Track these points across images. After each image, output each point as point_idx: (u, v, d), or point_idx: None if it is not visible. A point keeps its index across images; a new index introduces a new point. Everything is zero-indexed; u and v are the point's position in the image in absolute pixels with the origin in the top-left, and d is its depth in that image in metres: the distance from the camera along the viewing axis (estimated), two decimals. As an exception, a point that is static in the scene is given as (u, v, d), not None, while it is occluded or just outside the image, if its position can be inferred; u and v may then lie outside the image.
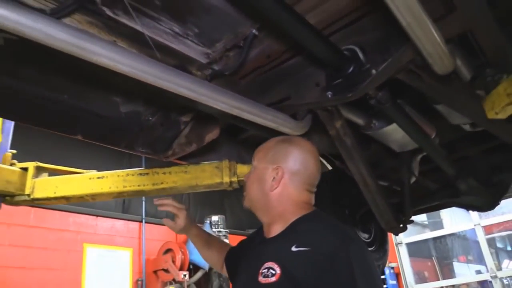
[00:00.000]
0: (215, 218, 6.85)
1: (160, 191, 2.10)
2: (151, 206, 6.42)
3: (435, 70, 1.51)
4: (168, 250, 6.07)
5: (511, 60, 1.63)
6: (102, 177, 2.09)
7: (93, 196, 2.11)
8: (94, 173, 2.14)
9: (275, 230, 1.40)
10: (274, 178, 1.41)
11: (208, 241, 1.94)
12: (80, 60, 1.14)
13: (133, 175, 2.09)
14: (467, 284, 8.98)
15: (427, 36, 1.28)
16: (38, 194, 2.10)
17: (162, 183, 2.06)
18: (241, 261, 1.53)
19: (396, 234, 3.20)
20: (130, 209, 6.24)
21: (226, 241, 6.78)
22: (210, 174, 2.08)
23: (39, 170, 2.19)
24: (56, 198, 2.11)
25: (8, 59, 1.54)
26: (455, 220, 9.94)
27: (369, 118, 2.33)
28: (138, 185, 2.06)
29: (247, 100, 1.62)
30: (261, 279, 1.27)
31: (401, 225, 3.05)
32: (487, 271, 7.38)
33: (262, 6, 1.26)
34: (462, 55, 1.63)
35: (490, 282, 7.40)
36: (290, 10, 1.33)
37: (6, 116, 1.70)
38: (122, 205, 6.17)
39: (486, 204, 2.85)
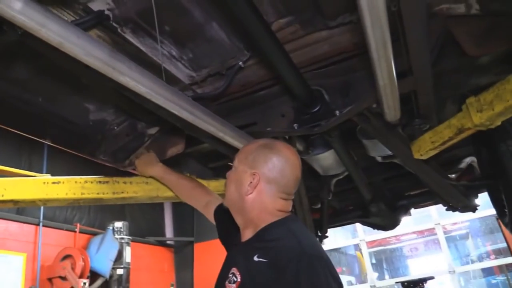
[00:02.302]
0: (118, 224, 6.65)
1: (119, 200, 2.12)
2: (49, 208, 6.02)
3: (385, 118, 1.86)
4: (66, 256, 5.72)
5: (435, 116, 2.07)
6: (58, 182, 2.03)
7: (47, 201, 2.04)
8: (48, 177, 2.07)
9: (246, 235, 1.42)
10: (250, 182, 1.38)
11: (180, 181, 2.06)
12: (62, 63, 1.18)
13: (92, 182, 2.07)
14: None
15: (393, 93, 1.61)
16: (-18, 196, 1.97)
17: (122, 192, 2.09)
18: (228, 248, 1.59)
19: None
20: (26, 211, 5.76)
21: (129, 249, 6.63)
22: (171, 187, 2.17)
23: (-19, 170, 2.06)
24: (3, 202, 1.98)
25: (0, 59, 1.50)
26: (334, 236, 10.96)
27: (307, 144, 2.64)
28: (97, 193, 2.06)
29: (229, 124, 1.81)
30: (227, 283, 1.32)
31: (318, 239, 3.45)
32: (356, 281, 8.31)
33: (258, 39, 1.42)
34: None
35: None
36: (281, 47, 1.55)
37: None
38: (17, 206, 5.67)
39: (389, 224, 3.37)
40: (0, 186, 1.99)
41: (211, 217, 1.82)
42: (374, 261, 11.35)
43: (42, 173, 5.45)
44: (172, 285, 6.97)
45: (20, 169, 2.53)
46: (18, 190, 2.01)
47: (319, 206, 3.50)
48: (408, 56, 1.53)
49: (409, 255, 11.48)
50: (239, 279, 1.29)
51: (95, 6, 1.39)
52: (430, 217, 8.15)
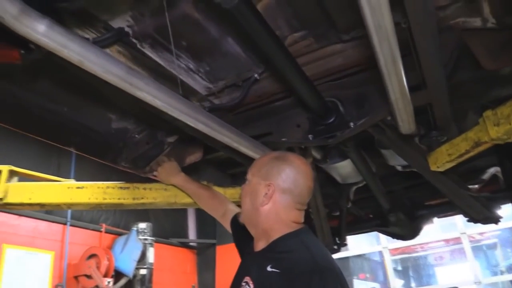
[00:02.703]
0: (142, 225, 6.80)
1: (139, 206, 2.20)
2: (77, 208, 6.23)
3: (399, 130, 1.86)
4: (92, 255, 5.90)
5: (452, 128, 2.06)
6: (82, 187, 2.14)
7: (71, 205, 2.15)
8: (73, 182, 2.17)
9: (260, 245, 1.45)
10: (265, 194, 1.41)
11: (199, 191, 2.13)
12: (85, 77, 1.24)
13: (113, 188, 2.16)
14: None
15: (405, 106, 1.62)
16: (11, 199, 2.07)
17: (142, 198, 2.17)
18: (242, 256, 1.64)
19: (330, 255, 3.55)
20: (54, 211, 5.97)
21: (152, 249, 6.77)
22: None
23: (11, 174, 2.17)
24: (30, 204, 2.10)
25: (25, 72, 1.60)
26: (358, 242, 10.83)
27: (325, 153, 2.65)
28: (118, 198, 2.15)
29: (244, 135, 1.85)
30: None
31: (336, 247, 3.45)
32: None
33: (271, 54, 1.46)
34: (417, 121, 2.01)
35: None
36: (293, 61, 1.58)
37: (7, 123, 1.72)
38: (46, 206, 5.88)
39: (408, 234, 3.33)
40: (28, 190, 2.11)
41: (228, 226, 1.88)
42: (400, 268, 11.18)
43: (70, 176, 5.67)
44: (193, 286, 7.06)
45: (49, 172, 2.65)
46: (44, 194, 2.12)
47: (338, 213, 3.50)
48: (421, 70, 1.54)
49: (435, 264, 11.24)
50: None
51: (115, 24, 1.46)
52: (456, 225, 7.96)
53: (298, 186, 1.44)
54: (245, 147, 1.88)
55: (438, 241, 9.34)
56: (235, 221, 1.81)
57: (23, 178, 2.30)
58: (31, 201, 2.10)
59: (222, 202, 2.03)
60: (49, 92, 1.75)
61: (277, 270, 1.30)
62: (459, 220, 7.63)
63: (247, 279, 1.37)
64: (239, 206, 2.48)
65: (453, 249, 9.77)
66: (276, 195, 1.41)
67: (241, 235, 1.70)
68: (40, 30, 1.03)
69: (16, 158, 3.68)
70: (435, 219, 3.55)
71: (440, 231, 8.90)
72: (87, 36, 1.43)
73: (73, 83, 1.73)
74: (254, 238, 1.50)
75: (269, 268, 1.32)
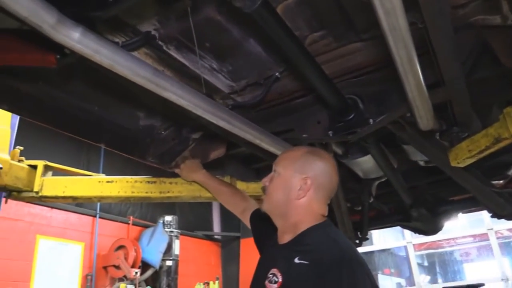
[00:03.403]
0: (168, 218, 6.98)
1: (165, 199, 2.31)
2: (106, 201, 6.46)
3: (419, 126, 1.89)
4: (120, 247, 6.11)
5: (473, 124, 2.06)
6: (112, 182, 2.25)
7: (101, 198, 2.27)
8: (103, 176, 2.30)
9: (285, 238, 1.47)
10: (301, 187, 1.43)
11: (220, 187, 2.20)
12: (115, 77, 1.32)
13: (141, 182, 2.27)
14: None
15: (423, 104, 1.64)
16: (46, 192, 2.22)
17: (168, 191, 2.27)
18: (263, 250, 1.67)
19: (352, 250, 3.58)
20: (84, 203, 6.20)
21: (177, 242, 6.94)
22: (213, 188, 2.32)
23: (46, 169, 2.31)
24: (64, 197, 2.24)
25: (60, 74, 1.70)
26: (383, 236, 10.75)
27: (346, 149, 2.69)
28: (146, 192, 2.25)
29: (265, 132, 1.92)
30: (267, 283, 1.38)
31: (357, 241, 3.48)
32: (407, 284, 8.12)
33: (291, 55, 1.51)
34: (437, 117, 2.02)
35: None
36: (313, 61, 1.63)
37: (44, 122, 1.84)
38: (77, 198, 6.12)
39: (431, 229, 3.33)
40: (61, 184, 2.24)
41: (247, 222, 1.95)
42: (426, 264, 11.04)
43: (99, 170, 5.88)
44: (217, 278, 7.20)
45: (79, 166, 2.79)
46: (76, 187, 2.25)
47: (360, 208, 3.52)
48: (438, 68, 1.56)
49: (462, 260, 11.05)
50: (280, 280, 1.34)
51: (142, 28, 1.55)
52: (483, 221, 7.82)
53: (331, 181, 1.50)
54: (266, 144, 1.94)
55: (465, 236, 9.18)
56: (255, 216, 1.88)
57: (56, 172, 2.44)
58: (64, 194, 2.23)
59: (243, 199, 2.10)
60: (82, 93, 1.85)
61: (306, 262, 1.33)
62: (486, 216, 7.48)
63: (274, 271, 1.39)
64: (260, 200, 2.56)
65: (480, 245, 9.59)
66: (312, 189, 1.45)
67: (261, 229, 1.75)
68: (74, 38, 1.12)
69: (49, 153, 3.84)
70: (463, 215, 3.52)
71: (468, 226, 8.76)
72: (116, 40, 1.52)
73: (104, 84, 1.83)
74: (279, 231, 1.53)
75: (297, 260, 1.35)
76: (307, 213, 1.45)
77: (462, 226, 8.80)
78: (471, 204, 3.33)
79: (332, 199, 2.81)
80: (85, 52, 1.17)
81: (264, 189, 1.56)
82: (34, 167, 2.29)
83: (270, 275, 1.39)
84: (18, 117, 2.49)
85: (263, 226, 1.71)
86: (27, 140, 3.85)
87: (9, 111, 2.10)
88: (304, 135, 2.13)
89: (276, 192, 1.50)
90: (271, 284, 1.37)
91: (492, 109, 2.36)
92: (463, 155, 2.07)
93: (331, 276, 1.26)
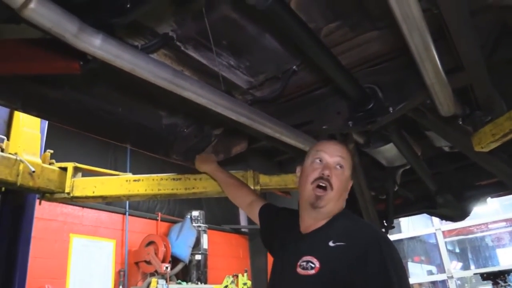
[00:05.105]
0: (195, 213, 7.09)
1: (191, 195, 2.37)
2: (134, 199, 6.62)
3: (439, 112, 1.87)
4: (150, 243, 6.26)
5: (497, 107, 2.03)
6: (139, 180, 2.33)
7: (129, 196, 2.35)
8: (130, 176, 2.37)
9: (312, 226, 1.52)
10: (349, 186, 1.60)
11: (228, 180, 2.26)
12: (137, 79, 1.36)
13: (166, 179, 2.34)
14: (420, 284, 9.66)
15: (442, 90, 1.63)
16: (77, 193, 2.31)
17: (193, 188, 2.33)
18: (276, 244, 1.70)
19: (378, 238, 3.57)
20: (113, 202, 6.38)
21: (205, 236, 7.05)
22: (236, 182, 2.36)
23: (75, 170, 2.40)
24: (94, 197, 2.33)
25: (84, 79, 1.76)
26: (412, 223, 10.61)
27: (367, 138, 2.68)
28: (172, 189, 2.32)
29: (285, 125, 1.94)
30: (300, 270, 1.39)
31: (383, 230, 3.47)
32: (438, 271, 8.03)
33: (307, 48, 1.53)
34: (460, 102, 2.00)
35: (443, 281, 8.11)
36: (328, 52, 1.63)
37: (71, 125, 1.91)
38: (106, 197, 6.30)
39: (458, 215, 3.29)
40: (91, 184, 2.33)
41: (253, 216, 2.00)
42: (457, 250, 10.85)
43: (126, 169, 6.02)
44: (246, 271, 7.29)
45: (107, 167, 2.88)
46: (105, 187, 2.33)
47: (385, 197, 3.50)
48: (456, 52, 1.55)
49: (494, 245, 10.81)
50: (317, 265, 1.37)
51: (160, 30, 1.59)
52: (514, 205, 7.64)
53: None
54: (286, 137, 1.96)
55: (496, 221, 8.98)
56: (264, 211, 1.93)
57: (86, 173, 2.53)
58: (94, 194, 2.32)
59: (250, 192, 2.16)
60: (105, 95, 1.92)
61: (342, 243, 1.38)
62: (517, 199, 7.31)
63: (307, 258, 1.41)
64: (283, 193, 2.58)
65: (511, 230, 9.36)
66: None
67: (272, 224, 1.82)
68: (96, 44, 1.17)
69: (78, 155, 3.98)
70: (494, 199, 3.45)
71: (501, 211, 8.56)
72: (136, 43, 1.56)
73: (126, 86, 1.89)
74: (308, 221, 1.56)
75: (331, 243, 1.40)
76: (342, 205, 1.57)
77: (495, 211, 8.60)
78: (499, 189, 3.27)
79: (355, 188, 2.84)
80: (107, 58, 1.21)
81: (327, 180, 1.52)
82: (65, 169, 2.39)
83: (303, 263, 1.41)
84: (47, 121, 2.59)
85: (274, 222, 1.78)
86: (56, 143, 4.00)
87: (38, 117, 2.19)
88: (324, 127, 2.14)
89: (339, 185, 1.53)
90: (306, 271, 1.38)
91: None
92: (486, 139, 2.04)
93: (372, 252, 1.32)
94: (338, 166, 1.55)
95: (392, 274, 1.29)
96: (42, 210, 5.29)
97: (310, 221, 1.55)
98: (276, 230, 1.74)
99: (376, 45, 1.86)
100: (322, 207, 1.49)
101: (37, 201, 2.45)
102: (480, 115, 2.07)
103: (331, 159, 1.55)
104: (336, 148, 1.60)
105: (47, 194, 2.34)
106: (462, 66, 1.65)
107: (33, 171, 2.22)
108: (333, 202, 1.51)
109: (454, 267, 9.80)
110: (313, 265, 1.38)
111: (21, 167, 2.20)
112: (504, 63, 1.97)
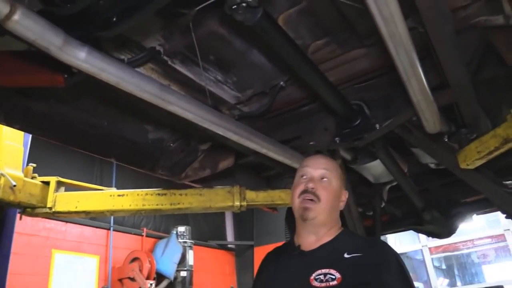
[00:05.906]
0: (181, 229, 6.99)
1: (176, 210, 2.33)
2: (119, 214, 6.51)
3: (425, 129, 1.88)
4: (135, 259, 6.14)
5: (482, 125, 2.05)
6: (123, 195, 2.28)
7: (113, 212, 2.30)
8: (114, 190, 2.33)
9: (319, 242, 1.48)
10: (342, 198, 1.58)
11: None
12: (122, 93, 1.34)
13: (151, 194, 2.30)
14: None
15: (428, 107, 1.64)
16: (59, 208, 2.25)
17: (179, 203, 2.29)
18: (273, 278, 1.55)
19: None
20: (98, 217, 6.27)
21: (191, 252, 6.95)
22: (222, 198, 2.33)
23: (58, 185, 2.35)
24: (77, 212, 2.27)
25: (69, 92, 1.74)
26: (399, 240, 10.63)
27: (354, 154, 2.68)
28: (157, 204, 2.28)
29: (272, 140, 1.93)
30: (317, 284, 1.34)
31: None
32: (424, 287, 8.00)
33: (293, 64, 1.54)
34: (445, 119, 2.02)
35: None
36: (316, 69, 1.64)
37: (55, 139, 1.88)
38: (90, 212, 6.19)
39: (444, 232, 3.29)
40: (74, 199, 2.28)
41: None
42: (444, 266, 10.87)
43: (112, 183, 5.94)
44: (231, 287, 7.19)
45: (92, 181, 2.83)
46: (89, 202, 2.28)
47: (372, 213, 3.50)
48: (442, 70, 1.57)
49: (480, 262, 10.86)
50: (338, 276, 1.33)
51: (147, 44, 1.58)
52: (499, 222, 7.70)
53: None
54: (273, 152, 1.95)
55: (482, 238, 9.04)
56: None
57: (69, 188, 2.48)
58: (77, 209, 2.27)
59: None
60: (91, 109, 1.89)
61: (359, 254, 1.38)
62: (502, 216, 7.36)
63: (322, 271, 1.37)
64: (270, 209, 2.56)
65: (497, 247, 9.42)
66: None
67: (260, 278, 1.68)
68: (81, 57, 1.15)
69: (62, 169, 3.91)
70: (479, 216, 3.46)
71: (487, 227, 8.62)
72: (122, 57, 1.55)
73: (111, 99, 1.86)
74: (305, 237, 1.52)
75: (346, 255, 1.39)
76: (338, 220, 1.58)
77: (481, 227, 8.66)
78: (485, 206, 3.29)
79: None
80: (92, 71, 1.20)
81: (312, 193, 1.50)
82: (47, 183, 2.34)
83: (320, 276, 1.36)
84: (30, 136, 2.54)
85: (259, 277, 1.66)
86: (42, 157, 3.93)
87: (21, 130, 2.15)
88: (311, 142, 2.14)
89: (328, 197, 1.51)
90: (327, 283, 1.33)
91: (501, 107, 2.35)
92: (472, 157, 2.05)
93: (392, 261, 1.36)
94: (324, 179, 1.53)
95: (411, 283, 1.37)
96: (24, 225, 5.17)
97: (311, 238, 1.51)
98: (263, 276, 1.64)
99: (363, 62, 1.87)
100: (312, 219, 1.47)
101: (18, 215, 2.39)
102: (465, 132, 2.09)
103: (315, 172, 1.54)
104: (320, 161, 1.59)
105: (28, 209, 2.28)
106: (448, 83, 1.67)
107: (14, 185, 2.16)
108: (325, 214, 1.48)
109: (440, 284, 9.80)
110: (333, 277, 1.34)
111: (1, 181, 2.15)
112: (489, 81, 2.00)
